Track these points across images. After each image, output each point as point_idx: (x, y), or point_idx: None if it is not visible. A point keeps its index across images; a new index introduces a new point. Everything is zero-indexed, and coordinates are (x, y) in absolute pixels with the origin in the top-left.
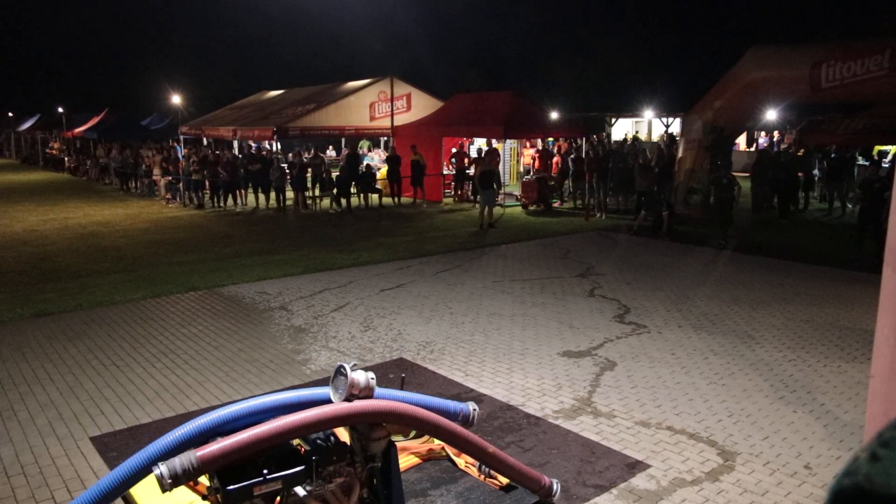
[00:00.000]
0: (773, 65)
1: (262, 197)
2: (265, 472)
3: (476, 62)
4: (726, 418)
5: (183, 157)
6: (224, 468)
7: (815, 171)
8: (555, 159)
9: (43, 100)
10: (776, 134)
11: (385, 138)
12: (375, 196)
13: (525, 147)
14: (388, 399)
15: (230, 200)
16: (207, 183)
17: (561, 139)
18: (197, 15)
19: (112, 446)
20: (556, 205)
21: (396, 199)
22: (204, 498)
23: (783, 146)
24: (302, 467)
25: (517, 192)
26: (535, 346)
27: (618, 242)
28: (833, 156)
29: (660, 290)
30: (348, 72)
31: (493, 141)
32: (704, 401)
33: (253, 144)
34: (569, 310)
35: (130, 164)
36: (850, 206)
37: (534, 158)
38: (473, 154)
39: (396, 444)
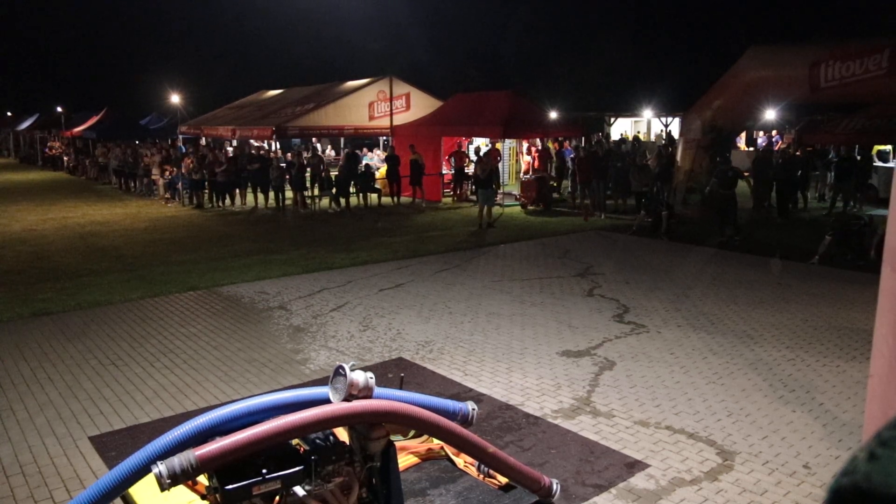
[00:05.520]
0: (773, 64)
1: (261, 196)
2: (264, 471)
3: (475, 61)
4: (725, 418)
5: (181, 155)
6: (223, 468)
7: (818, 172)
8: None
9: (42, 99)
10: (774, 133)
11: (384, 138)
12: (374, 196)
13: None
14: (388, 399)
15: (228, 200)
16: (206, 182)
17: (559, 138)
18: (196, 14)
19: (111, 446)
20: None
21: (395, 199)
22: (203, 497)
23: (781, 146)
24: (301, 467)
25: (516, 192)
26: (534, 346)
27: (617, 242)
28: (836, 156)
29: (659, 289)
30: (347, 71)
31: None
32: (703, 400)
33: (250, 147)
34: (568, 309)
35: (129, 163)
36: (853, 204)
37: (533, 158)
38: (472, 153)
39: (395, 443)
